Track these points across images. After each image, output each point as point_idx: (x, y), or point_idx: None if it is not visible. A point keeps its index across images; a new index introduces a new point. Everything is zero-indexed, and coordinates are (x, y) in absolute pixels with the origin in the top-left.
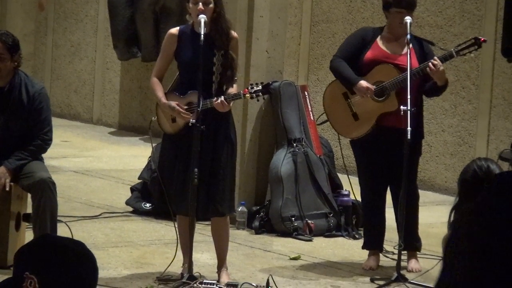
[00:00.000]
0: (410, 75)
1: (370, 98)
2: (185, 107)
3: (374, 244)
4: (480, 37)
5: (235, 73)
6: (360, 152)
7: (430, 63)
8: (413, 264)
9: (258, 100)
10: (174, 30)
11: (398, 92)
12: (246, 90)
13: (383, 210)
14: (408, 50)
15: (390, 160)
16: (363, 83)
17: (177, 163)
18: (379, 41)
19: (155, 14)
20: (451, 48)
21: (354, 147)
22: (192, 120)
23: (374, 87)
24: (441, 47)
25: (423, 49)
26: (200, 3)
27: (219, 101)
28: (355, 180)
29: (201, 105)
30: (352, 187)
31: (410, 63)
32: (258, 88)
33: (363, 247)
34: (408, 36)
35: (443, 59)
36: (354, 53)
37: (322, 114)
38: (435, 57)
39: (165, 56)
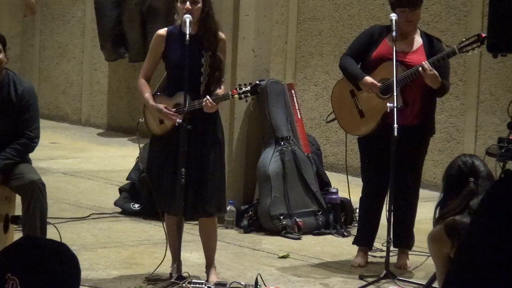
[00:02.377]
0: (396, 75)
1: (375, 96)
2: (173, 109)
3: (364, 240)
4: (482, 34)
5: (223, 75)
6: (365, 149)
7: (420, 67)
8: (402, 260)
9: (246, 101)
10: (162, 31)
11: (403, 89)
12: (235, 90)
13: (380, 209)
14: (394, 48)
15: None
16: (368, 78)
17: (166, 164)
18: (387, 39)
19: (141, 14)
20: (454, 45)
21: (360, 144)
22: (179, 120)
23: (379, 84)
24: (446, 44)
25: (432, 46)
26: (188, 2)
27: (207, 101)
28: (353, 179)
29: (187, 106)
30: (348, 186)
31: (396, 61)
32: (247, 89)
33: (353, 243)
34: (394, 33)
35: (446, 56)
36: (362, 50)
37: (331, 113)
38: (425, 61)
39: (153, 57)
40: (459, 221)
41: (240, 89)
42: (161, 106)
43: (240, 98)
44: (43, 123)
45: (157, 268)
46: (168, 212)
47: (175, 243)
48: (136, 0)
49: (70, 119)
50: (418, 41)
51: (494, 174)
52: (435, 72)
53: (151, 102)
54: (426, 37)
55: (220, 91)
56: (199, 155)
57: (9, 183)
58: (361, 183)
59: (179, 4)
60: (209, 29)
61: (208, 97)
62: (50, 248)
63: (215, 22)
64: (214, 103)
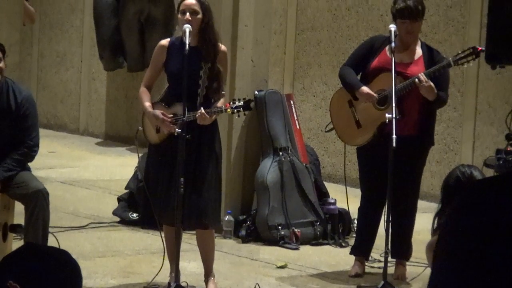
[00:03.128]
0: (395, 85)
1: (372, 106)
2: (170, 116)
3: (362, 250)
4: (477, 47)
5: (221, 86)
6: (363, 159)
7: (416, 79)
8: (399, 271)
9: (238, 116)
10: (164, 41)
11: (400, 100)
12: (228, 104)
13: (378, 219)
14: (393, 58)
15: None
16: (365, 89)
17: (161, 173)
18: (387, 49)
19: (140, 23)
20: (449, 58)
21: (358, 154)
22: (178, 130)
23: (376, 95)
24: (443, 55)
25: (432, 57)
26: (188, 13)
27: (199, 113)
28: (351, 190)
29: (186, 115)
30: (347, 196)
31: (395, 72)
32: (240, 104)
33: (350, 253)
34: (393, 44)
35: (441, 68)
36: (361, 60)
37: (330, 123)
38: (421, 73)
39: (154, 66)
40: None
41: (234, 103)
42: (158, 112)
43: (232, 113)
44: (41, 132)
45: (155, 277)
46: (163, 221)
47: (173, 252)
48: (135, 10)
49: (68, 128)
50: (418, 52)
51: None
52: (431, 84)
53: (149, 109)
54: (427, 48)
55: (219, 104)
56: (194, 166)
57: (10, 191)
58: (359, 194)
59: (179, 15)
60: (209, 40)
61: (202, 109)
62: (52, 255)
63: (214, 33)
64: (207, 116)
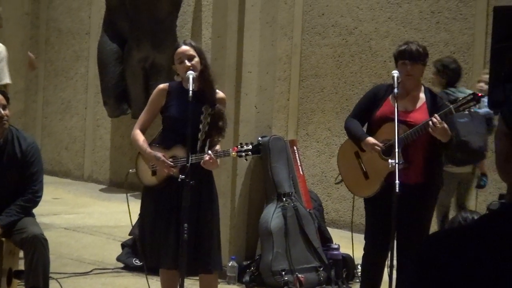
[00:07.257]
0: (397, 130)
1: (379, 157)
2: (170, 159)
3: None
4: (478, 93)
5: (225, 128)
6: (371, 208)
7: (430, 121)
8: None
9: (246, 159)
10: (164, 85)
11: (404, 148)
12: (235, 148)
13: (382, 265)
14: (396, 105)
15: (399, 216)
16: (370, 139)
17: (158, 216)
18: (391, 98)
19: (144, 70)
20: (450, 105)
21: (365, 204)
22: (182, 176)
23: (381, 144)
24: (446, 102)
25: (435, 103)
26: (186, 61)
27: (207, 158)
28: (355, 236)
29: (185, 159)
30: (352, 243)
31: (398, 119)
32: (248, 148)
33: None
34: (395, 90)
35: (443, 116)
36: (365, 111)
37: (339, 175)
38: (435, 115)
39: (152, 109)
40: None
41: (242, 147)
42: (159, 154)
43: (240, 156)
44: (45, 178)
45: None
46: (163, 266)
47: None
48: (139, 57)
49: (73, 174)
50: (421, 98)
51: None
52: (445, 125)
53: (149, 149)
54: (430, 93)
55: (217, 147)
56: (196, 211)
57: (11, 237)
58: (363, 239)
59: (177, 65)
60: (209, 82)
61: (210, 152)
62: None
63: (212, 74)
64: (215, 159)
